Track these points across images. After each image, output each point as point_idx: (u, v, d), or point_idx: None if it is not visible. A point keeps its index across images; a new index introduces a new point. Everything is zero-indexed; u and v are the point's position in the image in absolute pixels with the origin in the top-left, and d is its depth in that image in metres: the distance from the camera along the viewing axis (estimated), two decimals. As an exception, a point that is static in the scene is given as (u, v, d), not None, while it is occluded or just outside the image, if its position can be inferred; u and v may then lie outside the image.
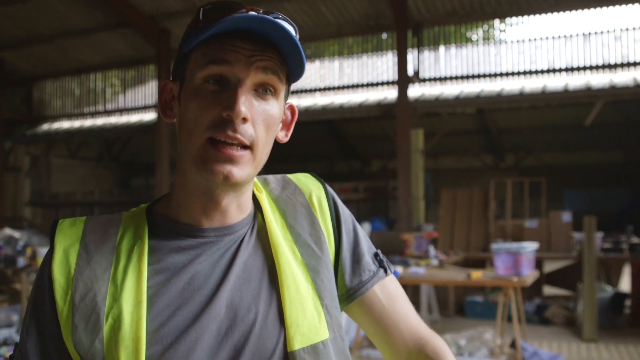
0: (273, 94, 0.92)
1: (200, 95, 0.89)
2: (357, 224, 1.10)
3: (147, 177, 14.86)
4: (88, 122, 12.86)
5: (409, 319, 1.07)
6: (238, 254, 0.95)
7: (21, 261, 7.15)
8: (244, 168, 0.89)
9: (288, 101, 1.01)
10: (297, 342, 0.91)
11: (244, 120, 0.87)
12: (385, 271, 1.08)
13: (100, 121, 12.72)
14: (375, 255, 1.09)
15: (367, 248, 1.08)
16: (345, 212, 1.08)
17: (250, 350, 0.89)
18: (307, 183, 1.09)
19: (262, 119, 0.90)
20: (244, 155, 0.89)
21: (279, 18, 0.90)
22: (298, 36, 0.94)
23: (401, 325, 1.05)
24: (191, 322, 0.88)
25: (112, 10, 10.10)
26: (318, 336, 0.94)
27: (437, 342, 1.06)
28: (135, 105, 12.29)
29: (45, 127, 13.17)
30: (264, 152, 0.93)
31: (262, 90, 0.91)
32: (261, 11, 0.90)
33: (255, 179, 1.06)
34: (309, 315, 0.94)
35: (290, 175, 1.11)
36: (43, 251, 7.27)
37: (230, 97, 0.86)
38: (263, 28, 0.87)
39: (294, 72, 0.94)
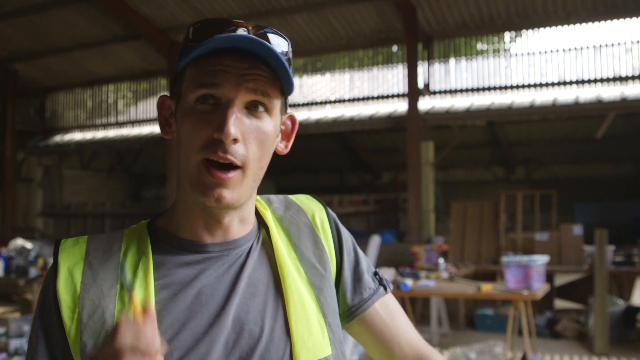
0: (266, 110, 0.92)
1: (193, 115, 0.90)
2: (356, 244, 1.13)
3: (158, 189, 14.90)
4: (100, 134, 12.98)
5: (409, 334, 1.10)
6: (244, 268, 0.97)
7: (33, 272, 7.19)
8: (235, 190, 0.90)
9: (288, 111, 1.02)
10: (303, 358, 0.93)
11: (235, 140, 0.88)
12: (385, 289, 1.11)
13: (112, 133, 12.84)
14: (375, 274, 1.12)
15: (367, 267, 1.12)
16: (345, 233, 1.11)
17: None
18: (309, 204, 1.11)
19: (254, 137, 0.91)
20: (234, 177, 0.89)
21: (270, 32, 0.91)
22: (290, 49, 0.94)
23: (402, 340, 1.09)
24: (201, 336, 0.89)
25: (125, 22, 10.20)
26: (322, 352, 0.95)
27: (436, 357, 1.09)
28: (147, 117, 12.40)
29: (58, 138, 13.29)
30: (256, 169, 0.93)
31: (254, 108, 0.91)
32: (250, 27, 0.90)
33: (260, 198, 1.08)
34: (314, 331, 0.95)
35: (291, 196, 1.13)
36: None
37: (221, 118, 0.87)
38: (252, 47, 0.88)
39: (285, 86, 0.94)
